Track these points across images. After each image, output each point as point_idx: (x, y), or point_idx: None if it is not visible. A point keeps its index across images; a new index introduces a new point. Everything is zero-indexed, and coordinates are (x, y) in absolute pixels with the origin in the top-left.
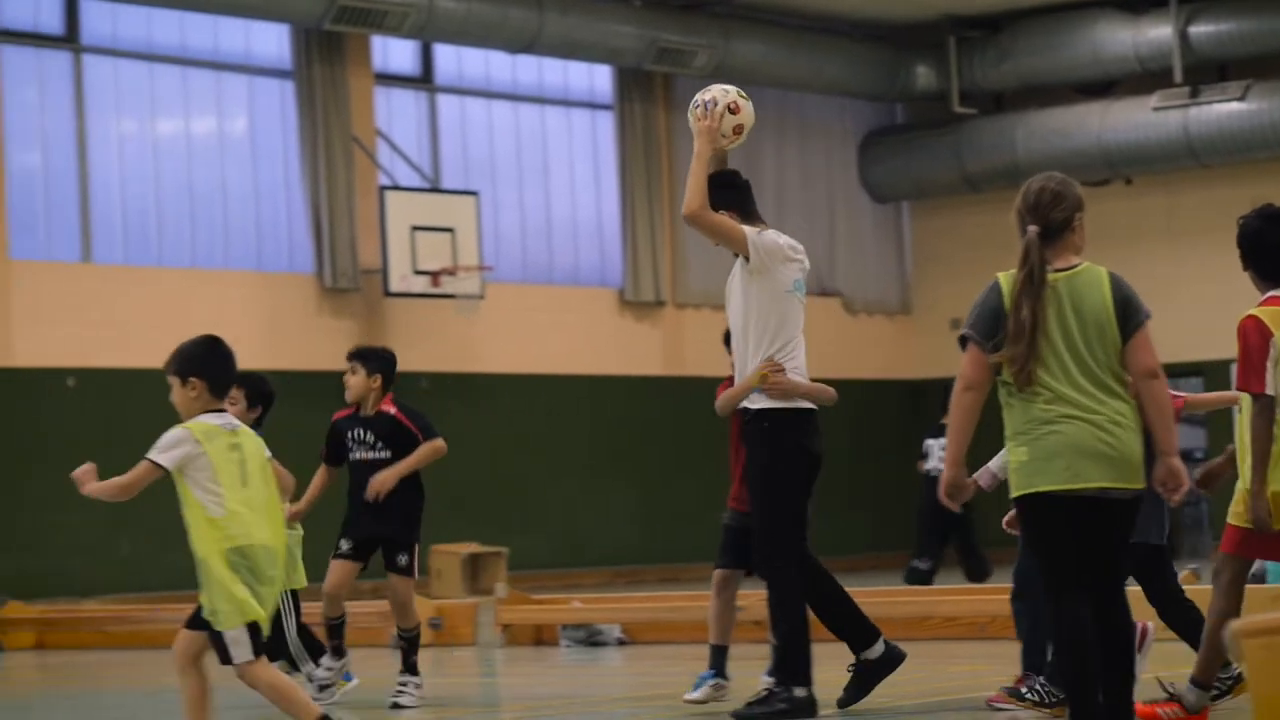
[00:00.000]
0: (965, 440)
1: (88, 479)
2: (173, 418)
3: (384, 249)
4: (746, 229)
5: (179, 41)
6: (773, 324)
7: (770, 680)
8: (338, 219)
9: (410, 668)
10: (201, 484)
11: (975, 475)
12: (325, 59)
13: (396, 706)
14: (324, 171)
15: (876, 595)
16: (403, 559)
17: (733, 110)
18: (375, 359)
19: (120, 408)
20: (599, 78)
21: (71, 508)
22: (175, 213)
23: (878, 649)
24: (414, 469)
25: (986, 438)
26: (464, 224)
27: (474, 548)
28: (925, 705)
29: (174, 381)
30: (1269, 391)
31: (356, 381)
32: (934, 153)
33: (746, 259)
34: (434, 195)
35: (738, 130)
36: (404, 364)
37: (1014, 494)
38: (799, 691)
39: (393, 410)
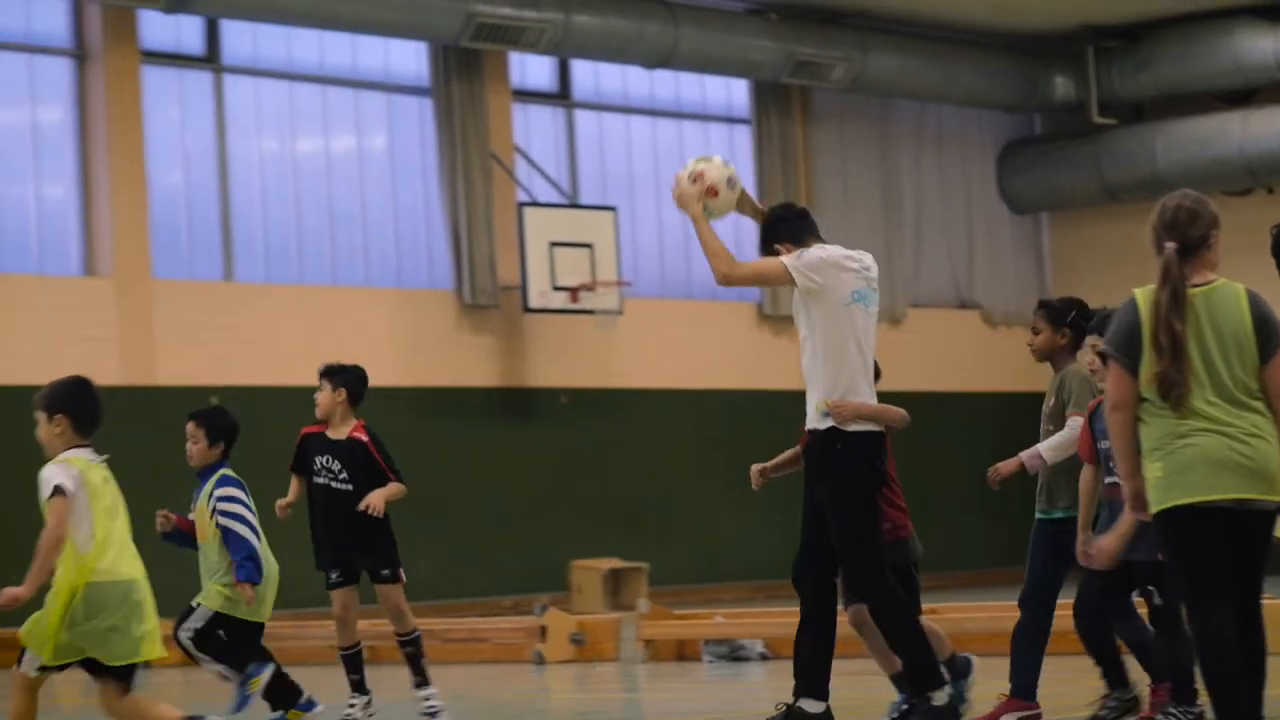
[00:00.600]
0: (1132, 454)
1: (11, 594)
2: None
3: (523, 265)
4: (783, 257)
5: (318, 60)
6: (834, 343)
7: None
8: (476, 235)
9: (421, 674)
10: (77, 513)
11: (1022, 454)
12: (463, 76)
13: None
14: (463, 188)
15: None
16: (385, 572)
17: (694, 179)
18: (341, 374)
19: (262, 425)
20: (736, 92)
21: None
22: (315, 230)
23: (817, 707)
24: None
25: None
26: (602, 239)
27: (615, 563)
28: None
29: (41, 417)
30: None
31: (323, 398)
32: (1073, 163)
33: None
34: (572, 211)
35: (711, 191)
36: (543, 379)
37: (1153, 509)
38: (937, 698)
39: (365, 439)
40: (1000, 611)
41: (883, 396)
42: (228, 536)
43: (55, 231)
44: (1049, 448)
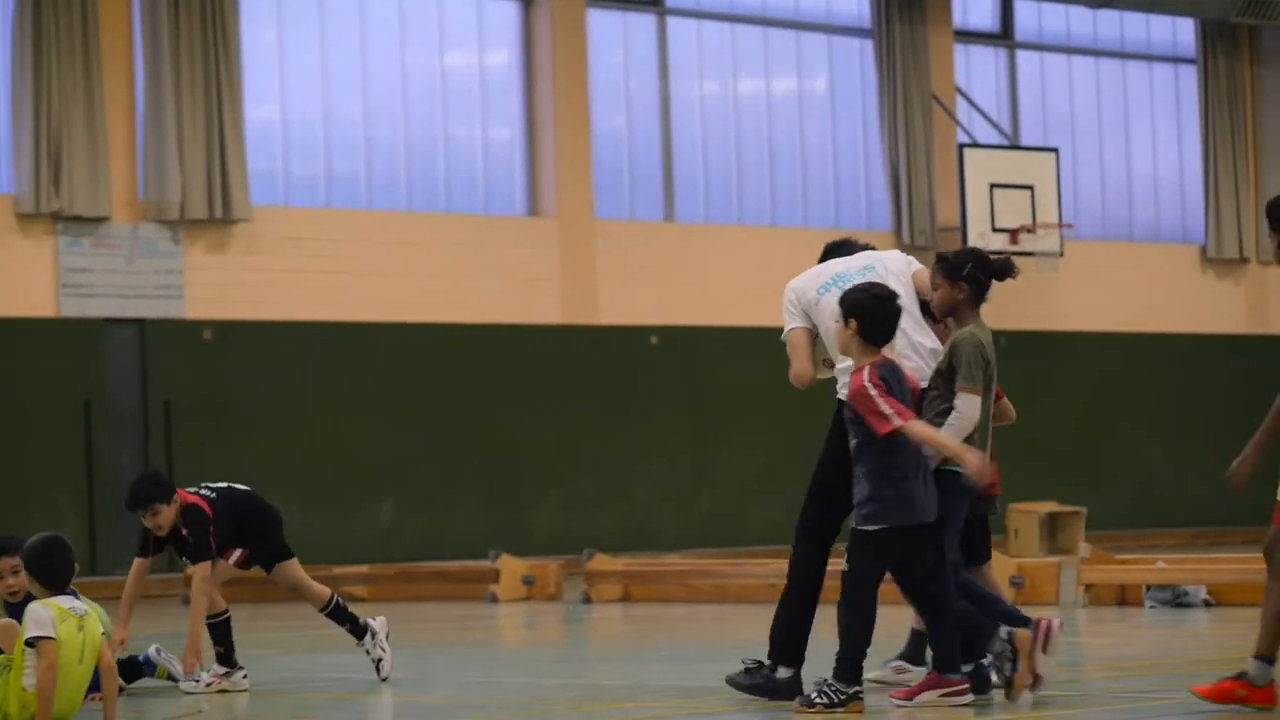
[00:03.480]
0: None
1: None
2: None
3: (962, 207)
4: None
5: (760, 2)
6: (825, 336)
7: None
8: (916, 177)
9: (358, 632)
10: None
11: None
12: (905, 17)
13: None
14: (902, 129)
15: None
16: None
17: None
18: (163, 490)
19: (702, 364)
20: (1182, 31)
21: (655, 462)
22: (755, 171)
23: (785, 674)
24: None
25: None
26: (1043, 181)
27: (1052, 507)
28: None
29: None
30: None
31: (166, 517)
32: None
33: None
34: (1013, 152)
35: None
36: None
37: None
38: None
39: (184, 532)
40: None
41: None
42: None
43: (501, 173)
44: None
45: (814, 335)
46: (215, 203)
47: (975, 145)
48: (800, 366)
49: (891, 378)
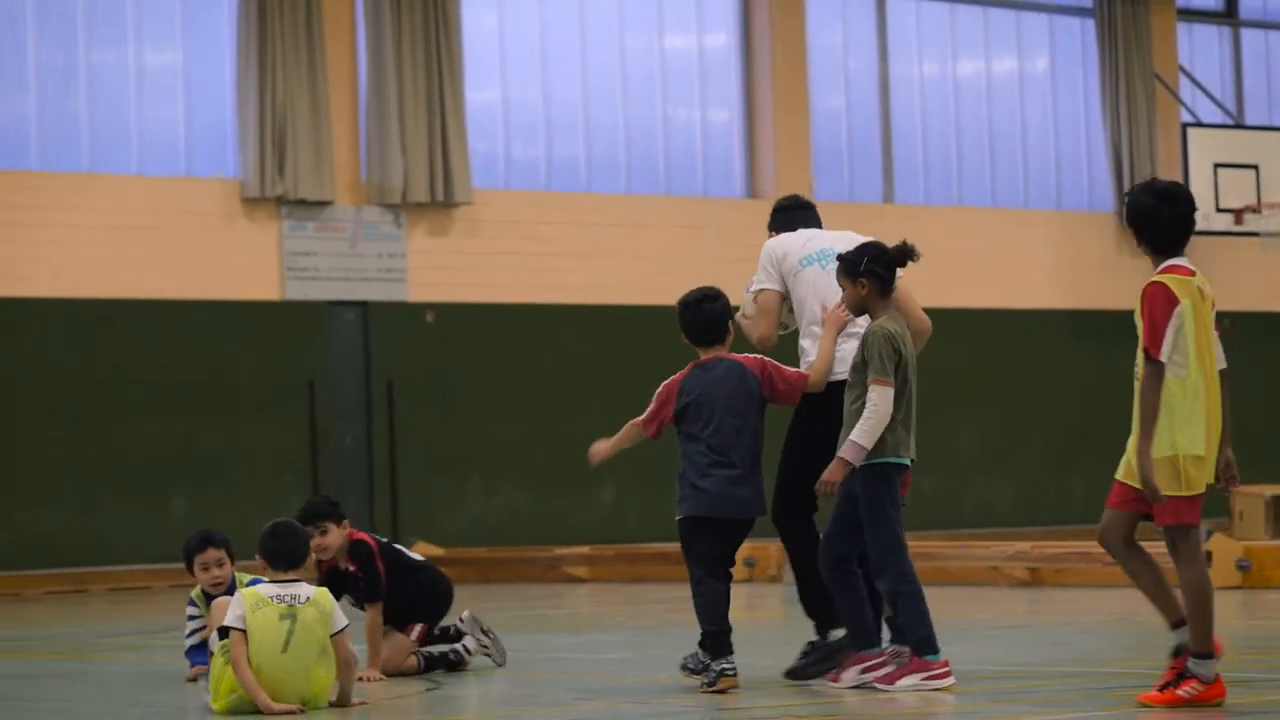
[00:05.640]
0: None
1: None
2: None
3: (1187, 187)
4: (747, 292)
5: None
6: (798, 304)
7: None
8: (1138, 157)
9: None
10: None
11: (841, 454)
12: None
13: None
14: (1124, 109)
15: None
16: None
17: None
18: (335, 508)
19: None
20: None
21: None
22: (975, 152)
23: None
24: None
25: None
26: (1269, 160)
27: (1278, 490)
28: None
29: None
30: (1162, 359)
31: (335, 539)
32: None
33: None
34: (1237, 131)
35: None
36: None
37: None
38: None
39: (352, 568)
40: None
41: None
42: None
43: (720, 155)
44: (864, 433)
45: (784, 299)
46: (437, 186)
47: (1199, 125)
48: (766, 330)
49: (694, 381)
